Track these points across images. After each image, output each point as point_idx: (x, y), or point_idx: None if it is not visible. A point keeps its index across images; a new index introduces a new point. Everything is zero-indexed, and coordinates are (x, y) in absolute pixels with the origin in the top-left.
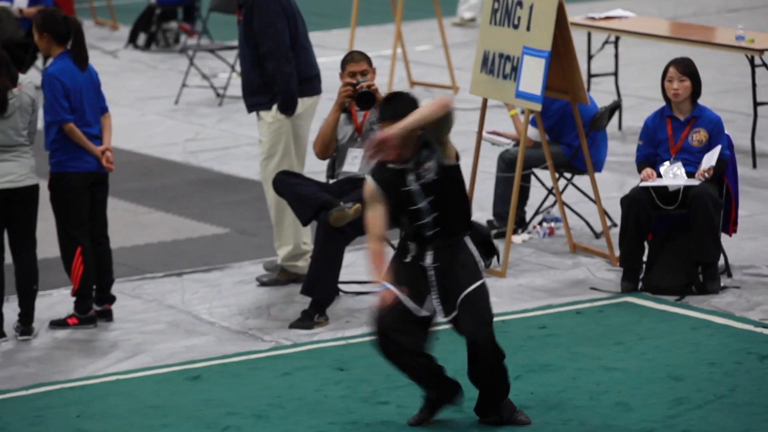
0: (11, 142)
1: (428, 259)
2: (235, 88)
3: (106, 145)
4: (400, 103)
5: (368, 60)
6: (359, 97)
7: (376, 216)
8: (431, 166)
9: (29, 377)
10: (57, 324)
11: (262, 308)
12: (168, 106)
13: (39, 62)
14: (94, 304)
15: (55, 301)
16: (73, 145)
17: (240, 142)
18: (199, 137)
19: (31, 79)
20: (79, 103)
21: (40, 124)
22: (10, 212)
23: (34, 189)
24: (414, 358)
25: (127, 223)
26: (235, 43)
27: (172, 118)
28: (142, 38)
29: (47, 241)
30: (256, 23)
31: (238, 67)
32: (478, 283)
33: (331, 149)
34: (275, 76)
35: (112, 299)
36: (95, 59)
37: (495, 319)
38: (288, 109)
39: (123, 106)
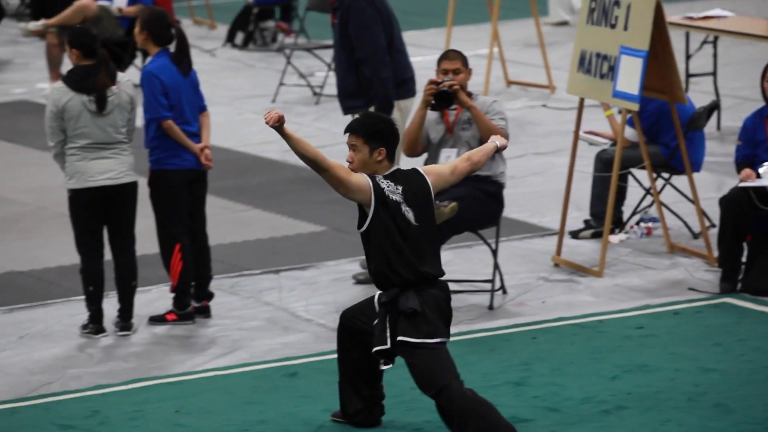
0: (110, 139)
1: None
2: (332, 87)
3: (204, 143)
4: (364, 122)
5: (463, 59)
6: (436, 97)
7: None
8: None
9: (128, 372)
10: (156, 320)
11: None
12: (265, 105)
13: (138, 61)
14: (192, 301)
15: (154, 297)
16: (172, 142)
17: (336, 141)
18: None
19: (129, 77)
20: (177, 100)
21: (140, 121)
22: (109, 209)
23: (133, 186)
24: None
25: (224, 221)
26: (332, 42)
27: None
28: (239, 37)
29: (147, 238)
30: (352, 28)
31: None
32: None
33: (418, 148)
34: (372, 80)
35: (211, 296)
36: (193, 58)
37: (592, 318)
38: (384, 112)
39: (221, 105)
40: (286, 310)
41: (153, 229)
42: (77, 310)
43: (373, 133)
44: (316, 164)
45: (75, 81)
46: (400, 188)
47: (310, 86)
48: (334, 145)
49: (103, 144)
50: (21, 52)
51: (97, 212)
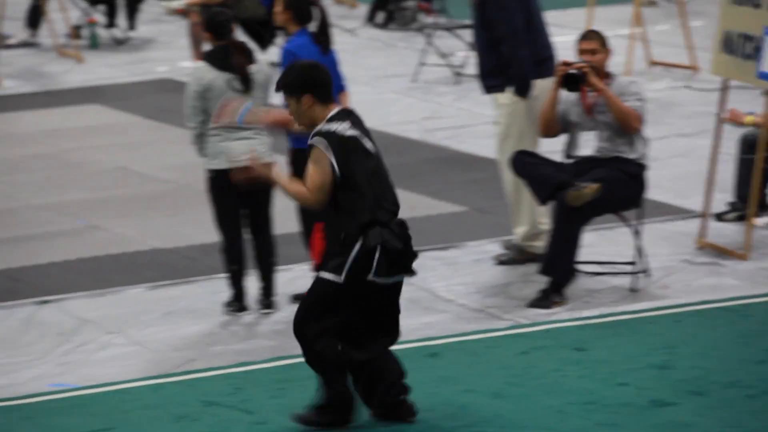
0: None
1: None
2: (473, 66)
3: None
4: (282, 77)
5: (601, 39)
6: (564, 79)
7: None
8: None
9: (270, 350)
10: (298, 298)
11: (500, 287)
12: (405, 84)
13: (279, 40)
14: None
15: (296, 275)
16: None
17: (477, 121)
18: (437, 115)
19: (262, 57)
20: None
21: (279, 100)
22: (250, 189)
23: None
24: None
25: None
26: (472, 21)
27: (410, 96)
28: (380, 16)
29: (288, 217)
30: (490, 6)
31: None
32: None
33: (553, 129)
34: (510, 59)
35: None
36: (334, 37)
37: (737, 302)
38: (523, 92)
39: (361, 84)
40: (427, 290)
41: (293, 208)
42: (220, 287)
43: (289, 84)
44: (300, 200)
45: (217, 60)
46: (347, 122)
47: (450, 66)
48: (476, 125)
49: (245, 123)
50: (164, 31)
51: (238, 192)
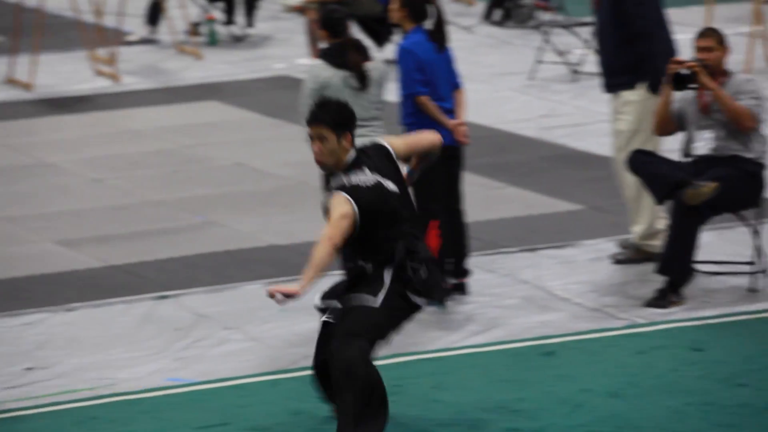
0: (368, 115)
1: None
2: (591, 64)
3: (460, 119)
4: (328, 111)
5: (718, 37)
6: (674, 78)
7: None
8: None
9: (386, 348)
10: None
11: (617, 286)
12: (522, 82)
13: (395, 37)
14: (449, 278)
15: None
16: (427, 118)
17: (594, 119)
18: (554, 113)
19: (377, 55)
20: (432, 76)
21: (395, 98)
22: None
23: None
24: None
25: (481, 198)
26: (590, 19)
27: (527, 94)
28: (497, 14)
29: None
30: (630, 2)
31: (594, 45)
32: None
33: (668, 127)
34: (646, 55)
35: (467, 273)
36: (450, 35)
37: None
38: (657, 88)
39: (477, 82)
40: (543, 288)
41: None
42: None
43: (339, 120)
44: (333, 256)
45: (333, 57)
46: (366, 168)
47: (567, 64)
48: (593, 123)
49: (362, 120)
50: (282, 28)
51: None
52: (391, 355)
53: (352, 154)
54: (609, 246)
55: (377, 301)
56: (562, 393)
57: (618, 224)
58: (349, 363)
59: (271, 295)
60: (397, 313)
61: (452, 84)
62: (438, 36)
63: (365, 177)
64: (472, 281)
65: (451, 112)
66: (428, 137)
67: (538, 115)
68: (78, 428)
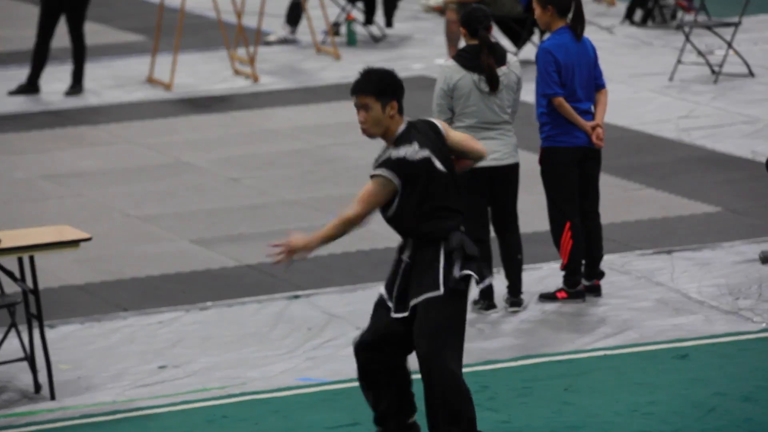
0: (497, 119)
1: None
2: (732, 65)
3: (597, 121)
4: (371, 79)
5: None
6: None
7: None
8: None
9: (517, 348)
10: (546, 297)
11: (753, 289)
12: (662, 83)
13: (535, 37)
14: (582, 279)
15: (545, 274)
16: (562, 119)
17: (734, 120)
18: (693, 114)
19: (517, 58)
20: (569, 79)
21: (530, 98)
22: (493, 189)
23: (515, 167)
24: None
25: (617, 199)
26: (733, 19)
27: (666, 94)
28: (638, 14)
29: (537, 215)
30: None
31: (735, 45)
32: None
33: None
34: None
35: (601, 274)
36: (591, 35)
37: None
38: None
39: (616, 82)
40: (678, 291)
41: (544, 206)
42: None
43: (383, 88)
44: (349, 227)
45: (466, 59)
46: (416, 143)
47: (708, 64)
48: (732, 125)
49: (490, 124)
50: (421, 28)
51: (482, 191)
52: (522, 356)
53: (402, 126)
54: (746, 249)
55: (440, 288)
56: (696, 396)
57: (757, 226)
58: (459, 407)
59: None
60: (461, 300)
61: (594, 85)
62: (576, 24)
63: (413, 150)
64: (606, 283)
65: (589, 114)
66: (478, 144)
67: (677, 116)
68: (209, 427)
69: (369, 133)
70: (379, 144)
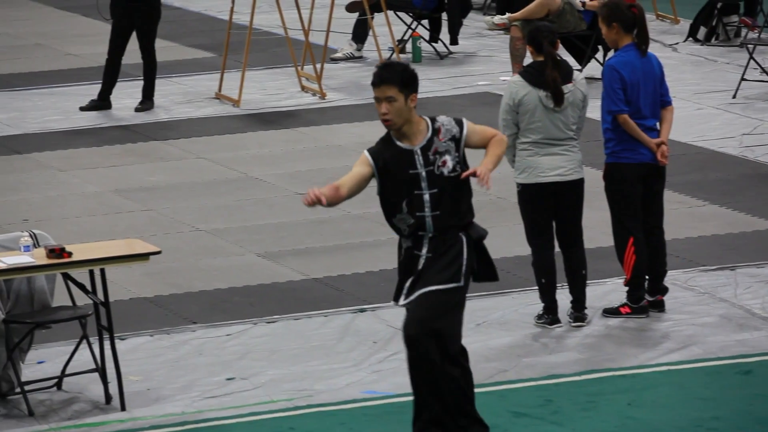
0: (562, 135)
1: (424, 248)
2: None
3: (662, 138)
4: (395, 71)
5: None
6: None
7: (353, 173)
8: (448, 162)
9: (581, 363)
10: (610, 312)
11: None
12: (725, 100)
13: (599, 55)
14: (646, 295)
15: (609, 289)
16: (626, 136)
17: None
18: (756, 131)
19: (583, 75)
20: (635, 97)
21: (595, 114)
22: (557, 204)
23: (580, 183)
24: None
25: (680, 215)
26: None
27: (730, 111)
28: (702, 32)
29: (601, 231)
30: None
31: None
32: (448, 285)
33: None
34: None
35: (665, 290)
36: (655, 52)
37: None
38: None
39: (680, 99)
40: (742, 307)
41: (607, 222)
42: (532, 299)
43: (406, 79)
44: (503, 149)
45: (532, 75)
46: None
47: None
48: None
49: (555, 140)
50: (485, 45)
51: (546, 207)
52: (586, 371)
53: (425, 121)
54: None
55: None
56: (760, 412)
57: None
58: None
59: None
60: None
61: (660, 102)
62: (641, 38)
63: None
64: (670, 298)
65: (654, 130)
66: (500, 150)
67: (741, 133)
68: None
69: (392, 123)
70: None
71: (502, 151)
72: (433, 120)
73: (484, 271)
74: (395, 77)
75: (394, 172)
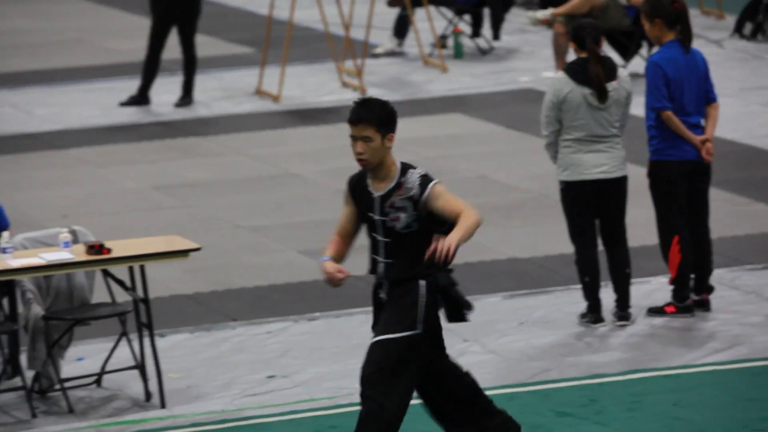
0: (605, 132)
1: (382, 293)
2: None
3: (707, 136)
4: (372, 109)
5: None
6: None
7: (344, 214)
8: (401, 218)
9: (626, 362)
10: (654, 311)
11: None
12: None
13: (643, 50)
14: (691, 294)
15: (653, 288)
16: (670, 133)
17: None
18: None
19: (627, 72)
20: (678, 93)
21: (639, 111)
22: (601, 202)
23: (623, 180)
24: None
25: (726, 214)
26: None
27: None
28: (748, 28)
29: (645, 229)
30: None
31: None
32: (401, 334)
33: None
34: None
35: (710, 289)
36: (700, 48)
37: None
38: None
39: (726, 96)
40: None
41: (652, 220)
42: (576, 298)
43: (385, 119)
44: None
45: (576, 72)
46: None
47: None
48: None
49: (598, 137)
50: (528, 41)
51: (589, 205)
52: (630, 370)
53: (396, 161)
54: None
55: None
56: None
57: None
58: None
59: None
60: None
61: (704, 98)
62: (684, 34)
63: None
64: (715, 298)
65: (698, 127)
66: (471, 222)
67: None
68: None
69: (367, 163)
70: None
71: (474, 225)
72: (404, 171)
73: (452, 314)
74: (373, 116)
75: (360, 207)
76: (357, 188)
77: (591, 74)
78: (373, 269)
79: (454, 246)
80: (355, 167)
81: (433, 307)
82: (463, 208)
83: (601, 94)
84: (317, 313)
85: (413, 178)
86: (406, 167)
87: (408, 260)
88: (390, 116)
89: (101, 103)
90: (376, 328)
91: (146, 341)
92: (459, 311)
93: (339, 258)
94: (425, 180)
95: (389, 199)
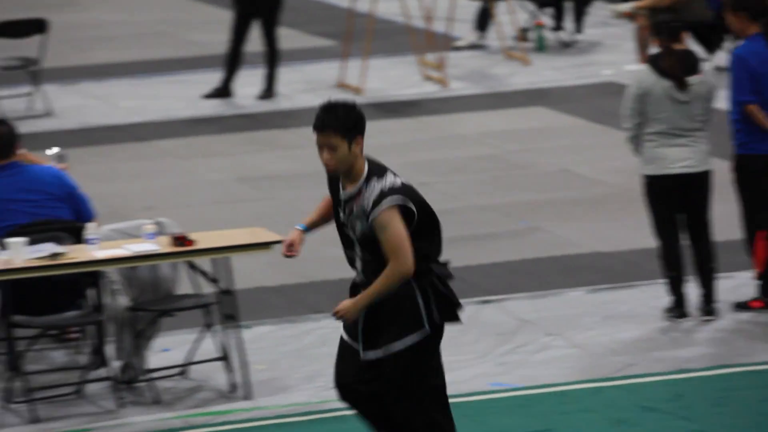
0: (688, 126)
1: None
2: None
3: None
4: (336, 116)
5: None
6: None
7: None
8: (357, 227)
9: (711, 357)
10: (741, 306)
11: None
12: None
13: (727, 43)
14: None
15: (739, 283)
16: (755, 127)
17: None
18: None
19: (711, 65)
20: (763, 87)
21: (723, 105)
22: (684, 196)
23: (707, 175)
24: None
25: None
26: None
27: None
28: None
29: (730, 223)
30: None
31: None
32: (400, 345)
33: None
34: None
35: None
36: None
37: None
38: None
39: None
40: None
41: (736, 215)
42: (661, 293)
43: (350, 124)
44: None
45: (659, 65)
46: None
47: None
48: None
49: (681, 131)
50: (611, 34)
51: (673, 199)
52: (717, 365)
53: (365, 165)
54: None
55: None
56: None
57: None
58: None
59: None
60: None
61: None
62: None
63: (400, 179)
64: None
65: None
66: (386, 281)
67: None
68: None
69: (335, 170)
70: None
71: (388, 287)
72: (369, 178)
73: (445, 313)
74: (337, 123)
75: (333, 199)
76: (333, 180)
77: (669, 67)
78: (351, 264)
79: (351, 316)
80: (437, 160)
81: (430, 305)
82: (391, 257)
83: (681, 86)
84: None
85: (373, 190)
86: (372, 174)
87: (383, 259)
88: (356, 121)
89: (184, 95)
90: (373, 335)
91: (231, 333)
92: (452, 311)
93: (317, 225)
94: (380, 198)
95: (349, 203)
